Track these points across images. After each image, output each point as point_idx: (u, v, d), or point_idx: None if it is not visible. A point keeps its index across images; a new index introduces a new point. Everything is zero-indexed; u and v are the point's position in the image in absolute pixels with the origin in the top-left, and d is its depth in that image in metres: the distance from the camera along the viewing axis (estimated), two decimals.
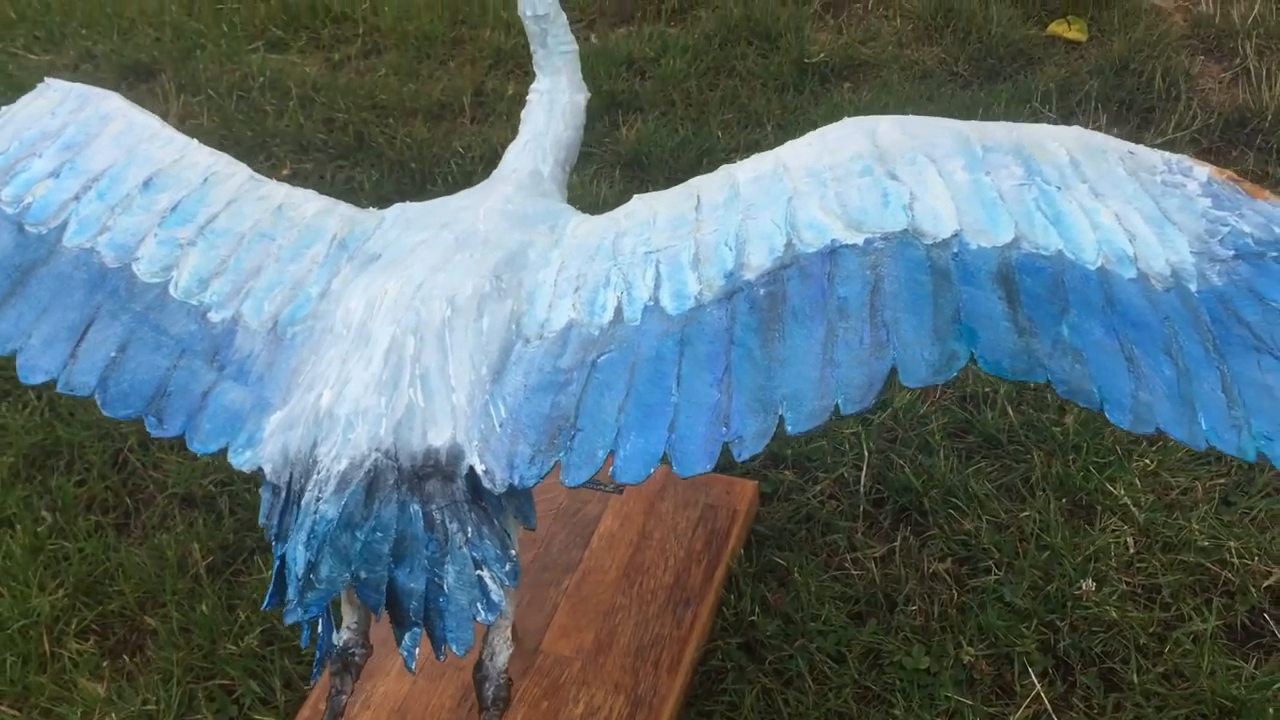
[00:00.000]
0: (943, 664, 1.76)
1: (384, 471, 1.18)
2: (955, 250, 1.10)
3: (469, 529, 1.21)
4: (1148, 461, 2.02)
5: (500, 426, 1.21)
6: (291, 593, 1.13)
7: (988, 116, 2.90)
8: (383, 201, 1.70)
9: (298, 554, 1.12)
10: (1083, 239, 1.13)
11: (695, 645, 1.76)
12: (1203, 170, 1.22)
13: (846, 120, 1.25)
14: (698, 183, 1.30)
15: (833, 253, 1.13)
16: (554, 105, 1.61)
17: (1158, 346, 1.09)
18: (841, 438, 2.12)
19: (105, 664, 1.83)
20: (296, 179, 2.97)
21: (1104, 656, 1.77)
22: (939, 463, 2.05)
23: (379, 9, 3.71)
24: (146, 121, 1.50)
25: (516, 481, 1.18)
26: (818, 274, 1.13)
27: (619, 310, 1.22)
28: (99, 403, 1.31)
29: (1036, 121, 2.80)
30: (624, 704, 1.67)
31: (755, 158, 1.28)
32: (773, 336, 1.13)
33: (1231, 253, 1.15)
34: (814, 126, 2.93)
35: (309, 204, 1.47)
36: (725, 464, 2.05)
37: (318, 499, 1.15)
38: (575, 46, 1.62)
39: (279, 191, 1.48)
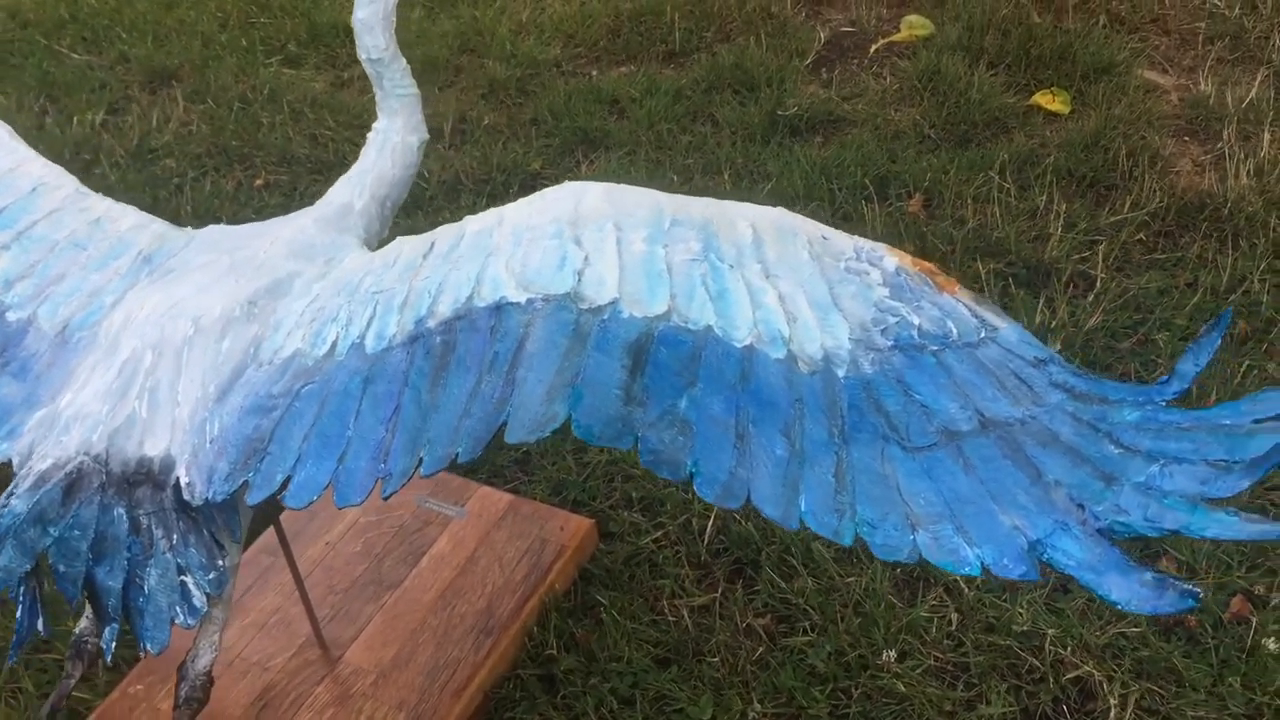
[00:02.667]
0: (729, 717, 1.78)
1: (88, 474, 1.27)
2: (606, 317, 1.15)
3: (174, 536, 1.29)
4: None
5: (210, 443, 1.29)
6: None
7: (941, 181, 2.91)
8: None
9: None
10: (739, 316, 1.17)
11: (489, 672, 1.81)
12: (892, 260, 1.24)
13: (568, 184, 1.30)
14: (441, 230, 1.37)
15: (499, 308, 1.19)
16: (385, 145, 1.69)
17: (777, 427, 1.12)
18: None
19: None
20: (271, 189, 3.13)
21: None
22: None
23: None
24: None
25: (211, 496, 1.26)
26: (483, 327, 1.19)
27: (334, 345, 1.30)
28: None
29: (988, 192, 2.80)
30: None
31: (488, 211, 1.34)
32: (438, 383, 1.19)
33: (890, 343, 1.17)
34: (768, 177, 2.96)
35: (126, 219, 1.58)
36: (579, 498, 2.11)
37: (10, 494, 1.25)
38: (414, 90, 1.70)
39: (101, 206, 1.59)
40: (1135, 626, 1.87)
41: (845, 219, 2.83)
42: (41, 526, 1.24)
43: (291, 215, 1.63)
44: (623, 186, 1.28)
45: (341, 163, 3.19)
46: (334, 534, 2.03)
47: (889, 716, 1.78)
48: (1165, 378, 1.18)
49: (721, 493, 1.09)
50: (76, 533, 1.26)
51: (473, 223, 1.33)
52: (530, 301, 1.18)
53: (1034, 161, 3.01)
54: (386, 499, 1.16)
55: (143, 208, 1.60)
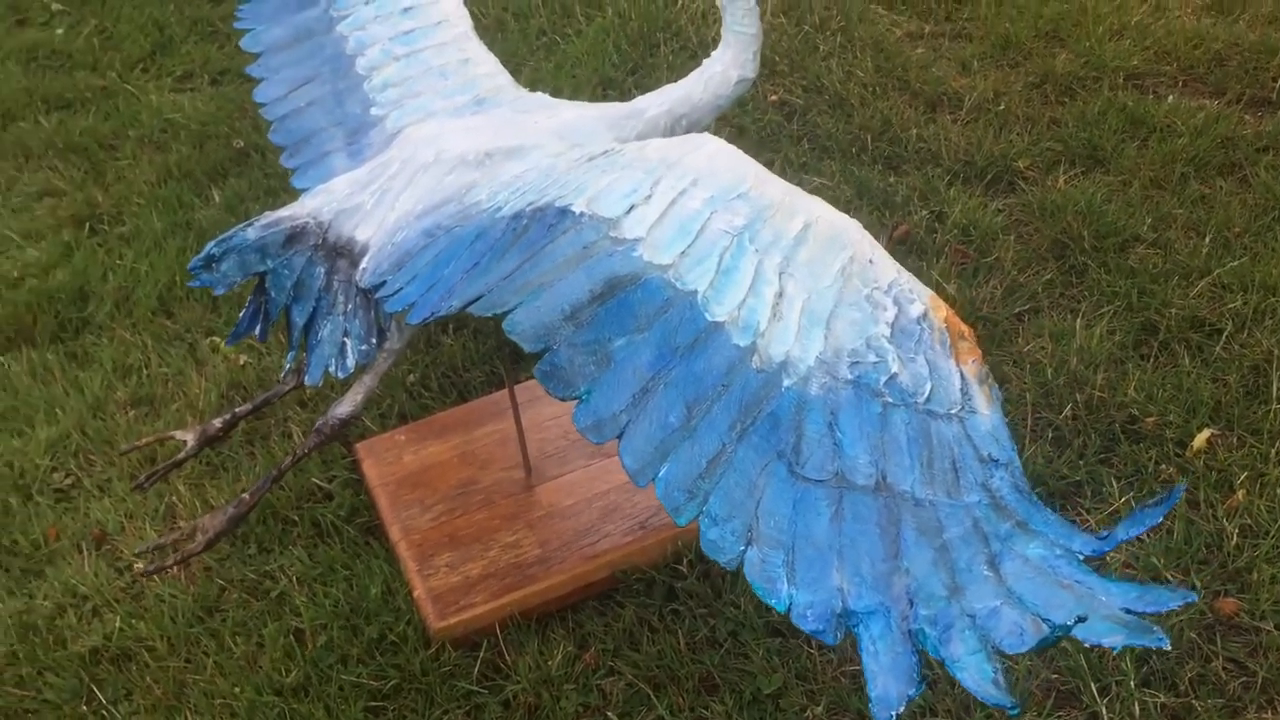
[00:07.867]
0: (788, 703, 1.81)
1: (309, 233, 1.65)
2: (620, 249, 1.26)
3: (350, 305, 1.64)
4: None
5: (391, 246, 1.61)
6: (192, 266, 1.64)
7: None
8: None
9: (208, 246, 1.63)
10: (730, 295, 1.22)
11: (624, 556, 1.99)
12: (921, 307, 1.20)
13: (705, 135, 1.40)
14: (637, 144, 1.51)
15: (563, 211, 1.34)
16: (706, 70, 1.85)
17: (685, 398, 1.17)
18: None
19: None
20: (780, 107, 3.36)
21: None
22: None
23: None
24: None
25: (365, 284, 1.58)
26: (547, 223, 1.35)
27: (495, 206, 1.53)
28: (271, 128, 1.92)
29: None
30: (534, 554, 1.99)
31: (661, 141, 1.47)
32: (504, 254, 1.38)
33: (851, 378, 1.16)
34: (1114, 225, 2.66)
35: (484, 66, 1.92)
36: None
37: (249, 225, 1.65)
38: (751, 31, 1.83)
39: (474, 49, 1.95)
40: None
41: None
42: (260, 255, 1.64)
43: (596, 105, 1.86)
44: (737, 153, 1.35)
45: (853, 108, 3.32)
46: None
47: None
48: (1106, 531, 1.04)
49: (592, 424, 1.17)
50: (286, 271, 1.64)
51: (635, 146, 1.47)
52: (582, 215, 1.32)
53: None
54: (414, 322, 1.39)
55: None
